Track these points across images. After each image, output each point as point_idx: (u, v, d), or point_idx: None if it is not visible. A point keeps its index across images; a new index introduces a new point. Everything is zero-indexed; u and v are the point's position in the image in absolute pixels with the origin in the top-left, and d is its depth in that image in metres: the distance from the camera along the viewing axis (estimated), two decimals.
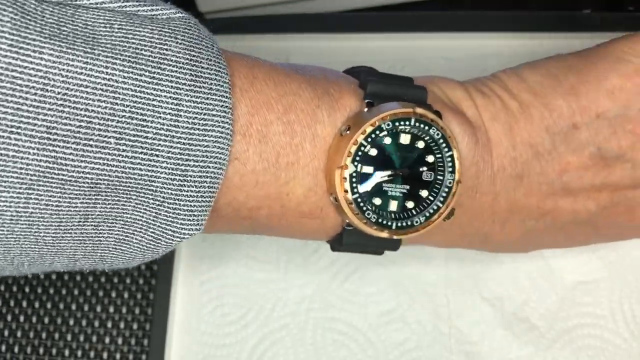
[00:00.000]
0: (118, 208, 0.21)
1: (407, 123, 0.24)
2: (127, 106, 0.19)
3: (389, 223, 0.24)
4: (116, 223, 0.22)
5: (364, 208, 0.23)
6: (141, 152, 0.20)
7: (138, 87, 0.20)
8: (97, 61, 0.19)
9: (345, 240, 0.25)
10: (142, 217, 0.21)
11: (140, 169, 0.20)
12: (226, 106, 0.21)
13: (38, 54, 0.18)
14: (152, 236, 0.22)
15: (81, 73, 0.19)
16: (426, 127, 0.24)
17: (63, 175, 0.19)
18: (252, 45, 0.40)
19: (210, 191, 0.21)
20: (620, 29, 0.38)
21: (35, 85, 0.18)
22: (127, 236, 0.22)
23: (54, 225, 0.20)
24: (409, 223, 0.24)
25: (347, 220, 0.24)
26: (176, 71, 0.20)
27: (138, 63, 0.20)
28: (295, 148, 0.23)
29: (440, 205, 0.24)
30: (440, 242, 0.28)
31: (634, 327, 0.32)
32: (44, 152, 0.19)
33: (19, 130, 0.18)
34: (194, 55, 0.21)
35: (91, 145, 0.19)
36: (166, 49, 0.20)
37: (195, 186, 0.21)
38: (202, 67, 0.21)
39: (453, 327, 0.33)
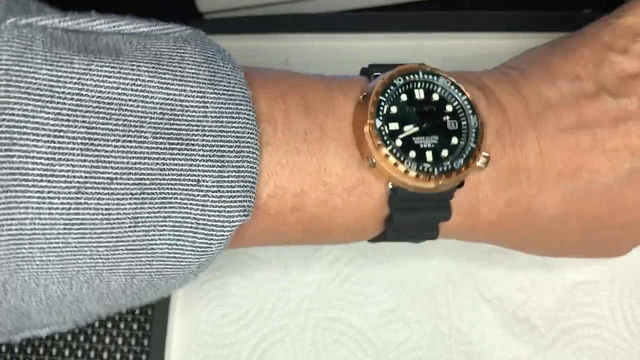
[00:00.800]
0: (166, 207, 0.21)
1: (416, 76, 0.24)
2: (158, 103, 0.21)
3: (431, 169, 0.24)
4: (166, 225, 0.21)
5: (402, 158, 0.23)
6: (177, 144, 0.21)
7: (164, 84, 0.21)
8: (123, 65, 0.21)
9: (395, 205, 0.24)
10: (190, 212, 0.21)
11: (180, 159, 0.21)
12: (246, 95, 0.23)
13: (69, 64, 0.20)
14: (203, 233, 0.22)
15: (110, 76, 0.20)
16: (434, 77, 0.25)
17: (108, 173, 0.20)
18: (252, 45, 0.40)
19: (250, 174, 0.22)
20: None
21: (71, 91, 0.20)
22: (179, 239, 0.22)
23: (106, 233, 0.20)
24: (450, 167, 0.24)
25: (390, 182, 0.24)
26: (195, 68, 0.22)
27: (160, 64, 0.21)
28: (320, 123, 0.24)
29: (474, 146, 0.24)
30: (485, 227, 0.27)
31: (634, 327, 0.32)
32: (87, 152, 0.20)
33: (62, 134, 0.19)
34: (208, 56, 0.22)
35: (130, 141, 0.20)
36: (183, 52, 0.22)
37: (235, 170, 0.22)
38: (219, 65, 0.22)
39: (453, 327, 0.33)
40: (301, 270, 0.35)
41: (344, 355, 0.33)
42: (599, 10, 0.40)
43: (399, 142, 0.24)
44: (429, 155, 0.24)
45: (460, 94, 0.25)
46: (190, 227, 0.22)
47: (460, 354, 0.33)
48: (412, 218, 0.25)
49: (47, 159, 0.19)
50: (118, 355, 0.35)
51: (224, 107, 0.22)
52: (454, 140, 0.24)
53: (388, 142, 0.23)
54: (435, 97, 0.25)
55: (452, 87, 0.25)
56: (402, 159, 0.23)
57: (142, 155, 0.20)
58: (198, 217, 0.21)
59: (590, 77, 0.27)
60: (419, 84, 0.25)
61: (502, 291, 0.34)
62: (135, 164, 0.20)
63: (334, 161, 0.24)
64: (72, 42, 0.21)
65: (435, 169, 0.24)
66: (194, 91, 0.21)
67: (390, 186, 0.24)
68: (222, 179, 0.21)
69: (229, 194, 0.22)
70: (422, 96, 0.25)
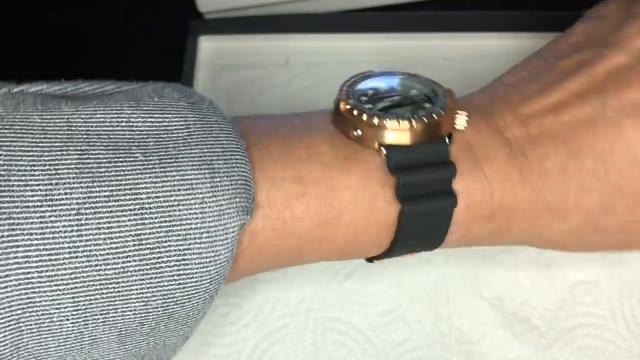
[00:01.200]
0: (166, 221, 0.21)
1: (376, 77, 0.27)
2: (142, 130, 0.22)
3: (410, 116, 0.24)
4: (170, 239, 0.21)
5: (382, 116, 0.24)
6: (167, 159, 0.22)
7: (146, 115, 0.23)
8: (107, 104, 0.22)
9: (393, 162, 0.24)
10: (191, 222, 0.22)
11: (171, 171, 0.22)
12: (226, 118, 0.24)
13: (58, 109, 0.22)
14: (207, 241, 0.22)
15: (95, 113, 0.22)
16: (392, 76, 0.27)
17: (104, 191, 0.21)
18: (252, 45, 0.40)
19: (242, 177, 0.23)
20: None
21: (61, 129, 0.21)
22: (185, 253, 0.22)
23: (112, 254, 0.21)
24: (429, 113, 0.25)
25: (380, 140, 0.24)
26: (174, 101, 0.23)
27: (141, 101, 0.23)
28: (300, 140, 0.25)
29: (445, 100, 0.26)
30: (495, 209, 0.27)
31: (634, 327, 0.33)
32: (82, 175, 0.21)
33: (56, 163, 0.21)
34: (185, 93, 0.24)
35: (122, 162, 0.21)
36: (161, 92, 0.24)
37: (226, 175, 0.22)
38: (197, 98, 0.24)
39: (453, 327, 0.33)
40: (301, 270, 0.35)
41: (344, 355, 0.33)
42: None
43: (377, 109, 0.25)
44: (406, 114, 0.25)
45: (416, 81, 0.27)
46: (194, 238, 0.22)
47: (460, 354, 0.33)
48: (416, 176, 0.25)
49: (45, 184, 0.20)
50: None
51: (206, 126, 0.23)
52: (427, 105, 0.26)
53: (366, 107, 0.25)
54: (398, 86, 0.26)
55: (411, 77, 0.27)
56: (385, 116, 0.24)
57: (135, 172, 0.21)
58: (199, 226, 0.22)
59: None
60: (381, 81, 0.27)
61: (502, 291, 0.34)
62: (129, 180, 0.21)
63: (319, 141, 0.25)
64: (63, 96, 0.23)
65: (415, 115, 0.25)
66: (175, 117, 0.23)
67: (383, 150, 0.25)
68: (215, 185, 0.22)
69: (225, 197, 0.22)
70: (387, 86, 0.26)
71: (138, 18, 0.43)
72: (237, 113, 0.39)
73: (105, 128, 0.22)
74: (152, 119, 0.22)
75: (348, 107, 0.25)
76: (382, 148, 0.24)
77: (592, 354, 0.32)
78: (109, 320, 0.22)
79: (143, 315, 0.22)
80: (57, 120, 0.22)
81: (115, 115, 0.22)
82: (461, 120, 0.25)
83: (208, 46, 0.41)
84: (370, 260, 0.28)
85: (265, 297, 0.34)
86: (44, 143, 0.21)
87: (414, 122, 0.24)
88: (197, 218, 0.22)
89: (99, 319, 0.21)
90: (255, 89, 0.39)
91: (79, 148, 0.21)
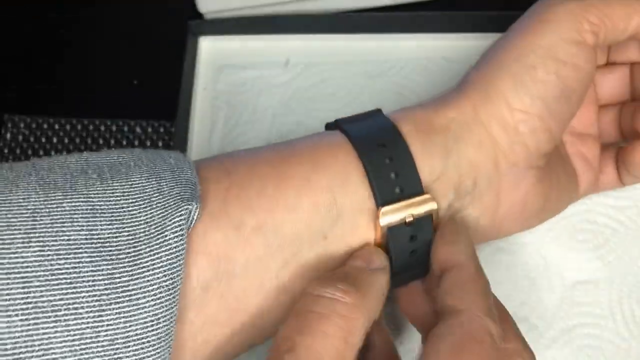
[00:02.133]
0: (117, 222, 0.23)
1: None
2: (101, 164, 0.25)
3: None
4: (120, 235, 0.23)
5: None
6: (118, 175, 0.24)
7: (103, 154, 0.25)
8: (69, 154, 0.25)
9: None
10: (141, 207, 0.23)
11: (122, 183, 0.24)
12: (183, 155, 0.26)
13: (24, 163, 0.24)
14: (156, 230, 0.23)
15: (57, 158, 0.25)
16: None
17: (59, 197, 0.23)
18: (252, 45, 0.40)
19: (188, 181, 0.25)
20: None
21: (27, 165, 0.24)
22: (136, 245, 0.23)
23: (64, 246, 0.22)
24: None
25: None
26: (136, 156, 0.25)
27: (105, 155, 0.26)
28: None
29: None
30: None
31: (634, 327, 0.33)
32: (40, 187, 0.23)
33: (18, 182, 0.23)
34: (150, 155, 0.26)
35: (77, 178, 0.24)
36: (129, 154, 0.26)
37: (172, 181, 0.24)
38: (164, 157, 0.26)
39: None
40: None
41: None
42: None
43: None
44: None
45: None
46: (144, 232, 0.23)
47: None
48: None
49: (6, 193, 0.22)
50: None
51: (156, 155, 0.25)
52: None
53: None
54: None
55: None
56: None
57: (88, 184, 0.23)
58: (148, 221, 0.23)
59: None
60: None
61: (502, 291, 0.34)
62: (82, 189, 0.23)
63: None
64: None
65: None
66: (128, 155, 0.25)
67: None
68: (161, 188, 0.24)
69: (171, 194, 0.24)
70: None
71: (138, 18, 0.43)
72: (237, 113, 0.39)
73: (66, 162, 0.24)
74: (108, 157, 0.25)
75: None
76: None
77: (591, 353, 0.32)
78: (61, 320, 0.21)
79: (97, 316, 0.21)
80: (21, 163, 0.24)
81: (76, 155, 0.25)
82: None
83: (208, 46, 0.41)
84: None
85: None
86: (7, 172, 0.23)
87: None
88: (145, 214, 0.23)
89: (50, 316, 0.21)
90: (255, 89, 0.39)
91: (39, 174, 0.23)
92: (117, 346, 0.21)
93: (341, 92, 0.39)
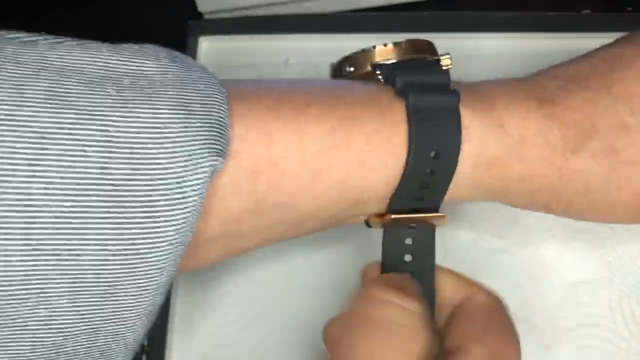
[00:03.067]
0: (134, 157, 0.20)
1: None
2: (119, 72, 0.21)
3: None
4: (136, 179, 0.20)
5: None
6: (140, 97, 0.21)
7: (124, 59, 0.22)
8: (86, 45, 0.22)
9: (385, 73, 0.26)
10: (159, 164, 0.20)
11: (144, 109, 0.21)
12: (210, 73, 0.24)
13: (33, 46, 0.21)
14: (175, 182, 0.21)
15: (71, 52, 0.21)
16: None
17: (71, 117, 0.20)
18: (252, 45, 0.40)
19: (217, 121, 0.22)
20: (620, 29, 0.38)
21: (34, 60, 0.20)
22: (151, 194, 0.20)
23: (73, 184, 0.19)
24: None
25: (372, 60, 0.27)
26: (155, 53, 0.23)
27: (120, 49, 0.22)
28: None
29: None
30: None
31: (634, 327, 0.33)
32: (50, 100, 0.20)
33: (25, 87, 0.19)
34: (171, 51, 0.24)
35: (93, 95, 0.20)
36: (142, 46, 0.23)
37: (201, 118, 0.22)
38: (181, 56, 0.24)
39: None
40: (301, 270, 0.35)
41: None
42: (598, 10, 0.40)
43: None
44: None
45: None
46: (162, 180, 0.20)
47: None
48: (413, 77, 0.26)
49: (9, 104, 0.19)
50: None
51: (185, 73, 0.22)
52: None
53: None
54: None
55: None
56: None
57: (105, 104, 0.20)
58: (168, 167, 0.20)
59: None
60: None
61: (503, 291, 0.34)
62: (98, 111, 0.20)
63: (320, 82, 0.27)
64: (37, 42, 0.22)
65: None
66: (154, 63, 0.22)
67: (377, 71, 0.26)
68: (188, 126, 0.21)
69: (197, 138, 0.21)
70: None
71: (138, 18, 0.43)
72: None
73: (81, 64, 0.21)
74: (130, 62, 0.22)
75: (335, 63, 0.28)
76: (377, 69, 0.26)
77: (592, 354, 0.32)
78: (62, 265, 0.19)
79: (100, 264, 0.20)
80: (30, 54, 0.20)
81: (93, 55, 0.21)
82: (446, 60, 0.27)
83: (208, 46, 0.41)
84: (368, 225, 0.27)
85: (266, 297, 0.34)
86: (11, 69, 0.20)
87: (400, 44, 0.26)
88: (166, 158, 0.20)
89: (50, 260, 0.19)
90: None
91: (50, 78, 0.20)
92: (116, 291, 0.21)
93: None
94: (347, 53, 0.28)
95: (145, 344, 0.35)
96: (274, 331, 0.34)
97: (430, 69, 0.26)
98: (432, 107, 0.25)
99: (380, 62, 0.26)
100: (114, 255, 0.20)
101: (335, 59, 0.39)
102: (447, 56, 0.27)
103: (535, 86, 0.27)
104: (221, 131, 0.22)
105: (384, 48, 0.26)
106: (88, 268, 0.20)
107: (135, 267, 0.20)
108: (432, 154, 0.24)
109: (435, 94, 0.25)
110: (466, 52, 0.38)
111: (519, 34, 0.38)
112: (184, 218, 0.21)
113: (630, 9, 0.40)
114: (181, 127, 0.21)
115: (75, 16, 0.44)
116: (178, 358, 0.34)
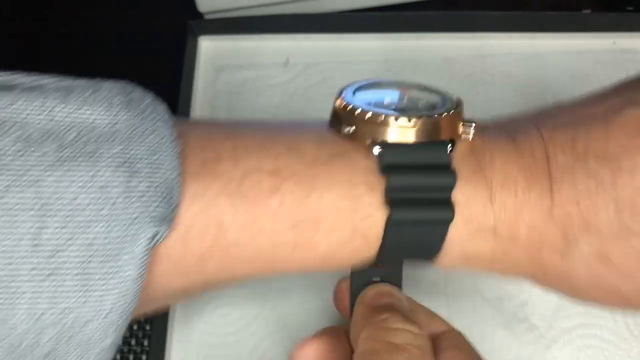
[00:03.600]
0: (71, 222, 0.19)
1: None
2: (64, 123, 0.20)
3: (409, 113, 0.22)
4: (72, 245, 0.19)
5: (380, 111, 0.22)
6: (81, 155, 0.20)
7: (72, 108, 0.20)
8: (30, 94, 0.20)
9: (385, 160, 0.22)
10: (98, 227, 0.19)
11: (83, 168, 0.19)
12: (166, 120, 0.22)
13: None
14: (114, 249, 0.19)
15: (15, 102, 0.20)
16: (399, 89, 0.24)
17: (4, 181, 0.19)
18: (252, 45, 0.40)
19: (163, 181, 0.20)
20: (621, 29, 0.38)
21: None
22: (89, 260, 0.19)
23: (3, 252, 0.18)
24: (430, 113, 0.22)
25: (374, 137, 0.22)
26: (109, 97, 0.21)
27: (71, 94, 0.21)
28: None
29: (452, 105, 0.23)
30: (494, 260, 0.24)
31: (634, 327, 0.33)
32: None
33: None
34: (128, 90, 0.22)
35: (30, 154, 0.19)
36: (99, 86, 0.21)
37: (146, 178, 0.20)
38: (138, 95, 0.22)
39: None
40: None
41: None
42: (598, 10, 0.40)
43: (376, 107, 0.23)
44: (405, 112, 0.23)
45: (427, 92, 0.24)
46: (100, 245, 0.19)
47: None
48: (409, 178, 0.22)
49: None
50: (118, 356, 0.35)
51: (137, 124, 0.20)
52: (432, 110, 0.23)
53: (359, 100, 0.23)
54: (404, 98, 0.24)
55: (421, 90, 0.24)
56: (377, 111, 0.22)
57: (41, 166, 0.19)
58: (106, 234, 0.19)
59: None
60: (386, 92, 0.24)
61: (502, 291, 0.34)
62: (33, 174, 0.19)
63: (307, 144, 0.22)
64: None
65: (415, 113, 0.22)
66: (104, 112, 0.20)
67: (376, 150, 0.22)
68: (130, 188, 0.19)
69: (139, 203, 0.19)
70: (391, 99, 0.24)
71: (138, 18, 0.43)
72: (237, 113, 0.39)
73: (22, 117, 0.19)
74: (77, 113, 0.20)
75: (342, 102, 0.23)
76: (376, 147, 0.22)
77: (591, 353, 0.32)
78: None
79: (34, 334, 0.19)
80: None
81: (37, 105, 0.20)
82: (467, 129, 0.23)
83: (208, 46, 0.41)
84: None
85: (266, 297, 0.34)
86: None
87: (412, 120, 0.22)
88: (104, 224, 0.19)
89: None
90: (255, 89, 0.39)
91: None
92: (55, 358, 0.20)
93: None
94: (358, 108, 0.23)
95: (145, 343, 0.35)
96: (273, 331, 0.34)
97: (432, 172, 0.22)
98: (417, 220, 0.22)
99: (383, 142, 0.22)
100: (49, 325, 0.19)
101: (335, 58, 0.39)
102: (471, 125, 0.23)
103: (544, 162, 0.22)
104: (167, 195, 0.20)
105: (392, 126, 0.22)
106: (21, 337, 0.19)
107: (72, 337, 0.20)
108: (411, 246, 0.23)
109: (426, 207, 0.22)
110: (466, 52, 0.38)
111: (519, 34, 0.38)
112: (122, 290, 0.19)
113: (631, 8, 0.40)
114: (122, 190, 0.19)
115: (75, 16, 0.44)
116: (178, 358, 0.34)
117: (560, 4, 0.41)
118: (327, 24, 0.39)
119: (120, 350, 0.35)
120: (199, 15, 0.41)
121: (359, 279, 0.25)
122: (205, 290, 0.24)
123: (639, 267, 0.22)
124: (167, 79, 0.39)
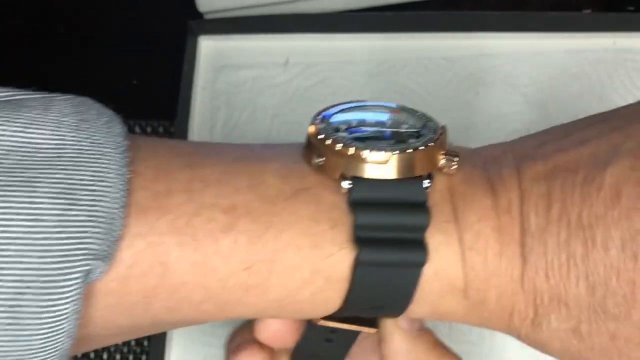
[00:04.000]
0: (1, 255, 0.18)
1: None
2: (6, 145, 0.19)
3: (384, 148, 0.20)
4: (2, 279, 0.18)
5: (351, 143, 0.20)
6: (19, 181, 0.18)
7: (17, 128, 0.19)
8: None
9: (354, 196, 0.20)
10: (30, 260, 0.18)
11: (20, 196, 0.18)
12: (120, 143, 0.20)
13: None
14: (46, 285, 0.18)
15: None
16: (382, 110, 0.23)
17: None
18: (252, 45, 0.40)
19: (103, 214, 0.19)
20: (621, 29, 0.38)
21: None
22: (18, 299, 0.18)
23: None
24: (406, 146, 0.21)
25: (345, 171, 0.20)
26: (58, 117, 0.20)
27: (18, 112, 0.19)
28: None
29: (433, 135, 0.21)
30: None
31: None
32: None
33: None
34: (80, 109, 0.20)
35: None
36: (50, 103, 0.20)
37: (86, 210, 0.19)
38: (91, 116, 0.20)
39: (453, 328, 0.33)
40: None
41: None
42: (598, 10, 0.40)
43: (350, 137, 0.21)
44: (379, 145, 0.21)
45: (410, 116, 0.22)
46: (31, 282, 0.18)
47: (460, 354, 0.33)
48: (378, 216, 0.20)
49: None
50: (118, 356, 0.35)
51: (85, 148, 0.19)
52: (412, 141, 0.21)
53: (334, 130, 0.21)
54: (388, 120, 0.22)
55: (404, 111, 0.22)
56: (348, 143, 0.20)
57: None
58: (38, 267, 0.18)
59: None
60: (369, 113, 0.23)
61: None
62: None
63: (270, 179, 0.21)
64: None
65: (390, 148, 0.21)
66: (52, 134, 0.19)
67: (345, 184, 0.20)
68: (67, 219, 0.18)
69: (75, 236, 0.18)
70: (374, 120, 0.22)
71: (138, 18, 0.43)
72: (237, 113, 0.39)
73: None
74: (22, 134, 0.19)
75: (314, 130, 0.21)
76: (345, 181, 0.20)
77: None
78: None
79: None
80: None
81: None
82: (449, 162, 0.21)
83: (208, 46, 0.41)
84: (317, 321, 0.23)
85: None
86: None
87: (386, 154, 0.20)
88: (37, 256, 0.18)
89: None
90: (255, 89, 0.39)
91: None
92: None
93: (341, 92, 0.39)
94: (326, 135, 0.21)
95: (145, 344, 0.35)
96: None
97: (405, 210, 0.20)
98: (387, 261, 0.20)
99: (353, 176, 0.20)
100: None
101: (335, 58, 0.39)
102: (454, 159, 0.21)
103: (518, 222, 0.21)
104: (108, 228, 0.19)
105: (363, 161, 0.20)
106: None
107: None
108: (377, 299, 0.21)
109: (397, 248, 0.20)
110: (466, 52, 0.38)
111: (518, 34, 0.38)
112: (55, 327, 0.18)
113: (631, 8, 0.40)
114: (58, 220, 0.18)
115: (75, 16, 0.44)
116: (178, 358, 0.34)
117: (560, 4, 0.41)
118: (327, 24, 0.39)
119: (120, 351, 0.35)
120: (199, 15, 0.41)
121: (315, 333, 0.23)
122: (162, 330, 0.22)
123: (614, 347, 0.20)
124: (167, 79, 0.39)
